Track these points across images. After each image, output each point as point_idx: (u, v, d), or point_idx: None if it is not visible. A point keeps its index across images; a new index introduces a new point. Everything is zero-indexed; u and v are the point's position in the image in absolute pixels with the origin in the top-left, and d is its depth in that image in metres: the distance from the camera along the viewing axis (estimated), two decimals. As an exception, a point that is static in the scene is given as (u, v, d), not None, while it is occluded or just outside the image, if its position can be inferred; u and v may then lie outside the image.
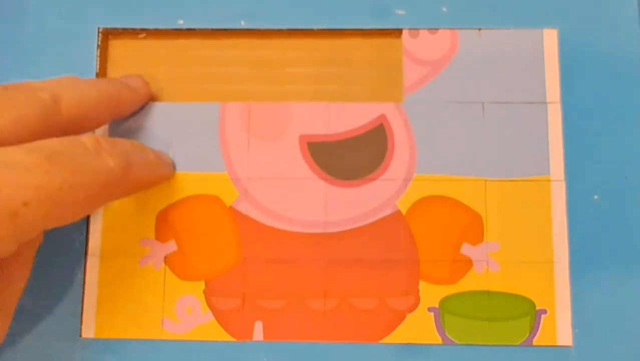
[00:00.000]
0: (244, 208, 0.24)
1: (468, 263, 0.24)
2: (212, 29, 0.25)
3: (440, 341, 0.23)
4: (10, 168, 0.17)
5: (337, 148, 0.24)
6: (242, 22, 0.25)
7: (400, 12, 0.25)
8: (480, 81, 0.25)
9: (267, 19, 0.25)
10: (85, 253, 0.24)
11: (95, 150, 0.19)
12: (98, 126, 0.23)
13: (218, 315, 0.24)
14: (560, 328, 0.23)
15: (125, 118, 0.24)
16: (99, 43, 0.25)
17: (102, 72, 0.25)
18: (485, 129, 0.24)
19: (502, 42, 0.25)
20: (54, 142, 0.18)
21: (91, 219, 0.24)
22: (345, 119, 0.25)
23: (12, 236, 0.17)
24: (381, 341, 0.23)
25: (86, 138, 0.19)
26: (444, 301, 0.23)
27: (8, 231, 0.17)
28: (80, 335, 0.24)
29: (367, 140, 0.24)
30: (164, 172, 0.24)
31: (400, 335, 0.23)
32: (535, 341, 0.23)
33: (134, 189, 0.22)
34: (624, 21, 0.25)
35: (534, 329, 0.23)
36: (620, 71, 0.24)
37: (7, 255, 0.18)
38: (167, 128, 0.25)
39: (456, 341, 0.23)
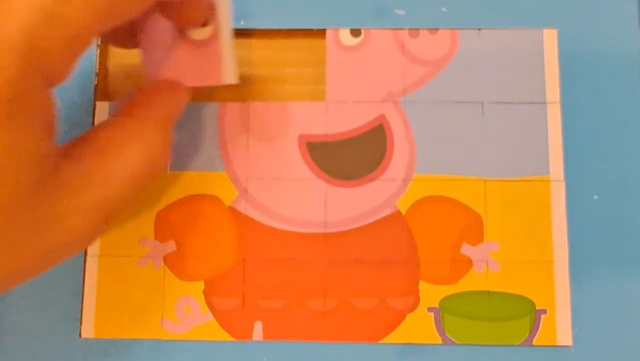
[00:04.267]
0: (244, 207, 0.24)
1: (468, 263, 0.24)
2: (212, 29, 0.25)
3: (440, 341, 0.23)
4: None
5: (337, 148, 0.24)
6: (242, 22, 0.25)
7: (400, 12, 0.25)
8: (480, 81, 0.25)
9: (267, 19, 0.25)
10: (85, 253, 0.24)
11: None
12: None
13: (218, 314, 0.24)
14: (560, 328, 0.23)
15: None
16: (99, 43, 0.25)
17: (102, 72, 0.25)
18: (485, 129, 0.24)
19: (502, 42, 0.25)
20: None
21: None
22: (344, 119, 0.25)
23: (56, 40, 0.15)
24: (381, 341, 0.23)
25: None
26: (444, 301, 0.23)
27: (50, 33, 0.15)
28: (80, 335, 0.24)
29: (367, 140, 0.24)
30: None
31: (400, 335, 0.23)
32: (535, 341, 0.23)
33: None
34: (624, 21, 0.25)
35: (533, 329, 0.23)
36: (620, 71, 0.24)
37: (66, 74, 0.16)
38: (166, 128, 0.25)
39: (456, 341, 0.23)
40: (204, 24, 0.21)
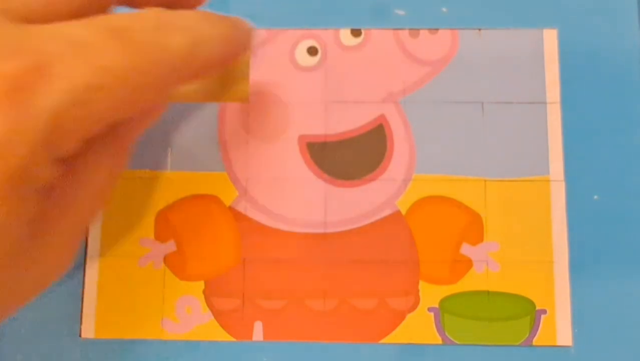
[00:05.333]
0: (244, 207, 0.24)
1: (468, 263, 0.24)
2: (212, 29, 0.25)
3: (440, 341, 0.23)
4: (73, 46, 0.15)
5: (337, 148, 0.24)
6: (242, 23, 0.25)
7: (400, 12, 0.25)
8: (480, 81, 0.25)
9: (267, 19, 0.25)
10: (85, 253, 0.24)
11: (157, 26, 0.16)
12: None
13: (218, 315, 0.24)
14: (560, 328, 0.23)
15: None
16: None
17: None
18: (485, 129, 0.24)
19: (502, 42, 0.25)
20: (114, 18, 0.16)
21: (91, 219, 0.24)
22: (344, 119, 0.25)
23: (78, 123, 0.15)
24: (381, 341, 0.23)
25: (146, 13, 0.17)
26: (444, 301, 0.23)
27: (76, 115, 0.15)
28: (80, 335, 0.24)
29: (367, 140, 0.24)
30: (239, 45, 0.19)
31: (400, 335, 0.23)
32: (535, 341, 0.23)
33: (205, 69, 0.18)
34: (624, 21, 0.25)
35: (533, 329, 0.23)
36: (620, 71, 0.24)
37: (74, 151, 0.16)
38: (166, 128, 0.25)
39: (456, 341, 0.23)
40: None
